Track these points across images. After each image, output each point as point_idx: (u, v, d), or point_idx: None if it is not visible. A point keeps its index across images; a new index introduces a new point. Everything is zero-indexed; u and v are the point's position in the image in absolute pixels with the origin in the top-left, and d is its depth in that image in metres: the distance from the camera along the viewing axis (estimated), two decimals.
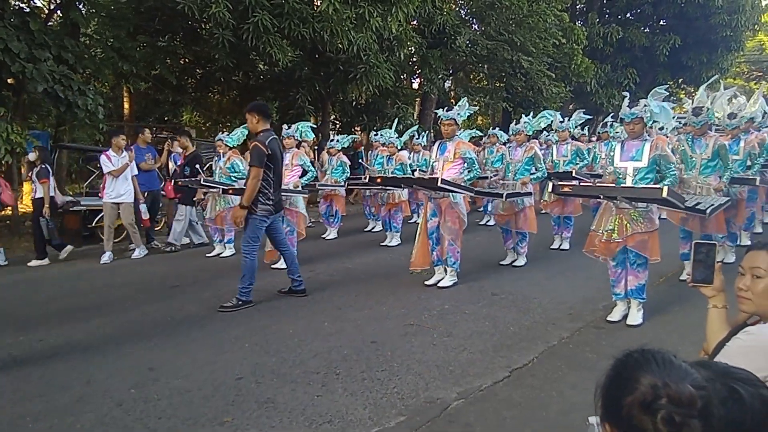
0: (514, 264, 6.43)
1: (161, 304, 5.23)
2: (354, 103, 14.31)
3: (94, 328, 4.52)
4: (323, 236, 8.77)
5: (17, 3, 9.62)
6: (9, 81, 9.04)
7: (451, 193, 5.32)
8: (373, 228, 9.43)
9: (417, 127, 10.67)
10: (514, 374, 3.45)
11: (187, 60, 13.32)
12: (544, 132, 9.36)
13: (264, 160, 4.75)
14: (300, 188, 6.71)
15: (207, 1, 9.17)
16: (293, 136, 6.85)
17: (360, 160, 12.21)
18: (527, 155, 6.40)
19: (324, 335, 4.19)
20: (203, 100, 14.51)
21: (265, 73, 13.43)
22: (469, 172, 5.41)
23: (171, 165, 8.82)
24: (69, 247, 7.52)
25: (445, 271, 5.58)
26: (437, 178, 5.14)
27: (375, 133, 9.72)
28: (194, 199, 7.95)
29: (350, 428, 2.81)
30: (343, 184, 8.82)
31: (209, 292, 5.55)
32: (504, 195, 5.97)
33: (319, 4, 10.28)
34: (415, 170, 8.81)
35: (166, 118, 15.98)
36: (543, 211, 8.57)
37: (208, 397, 3.18)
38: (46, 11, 11.17)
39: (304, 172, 6.78)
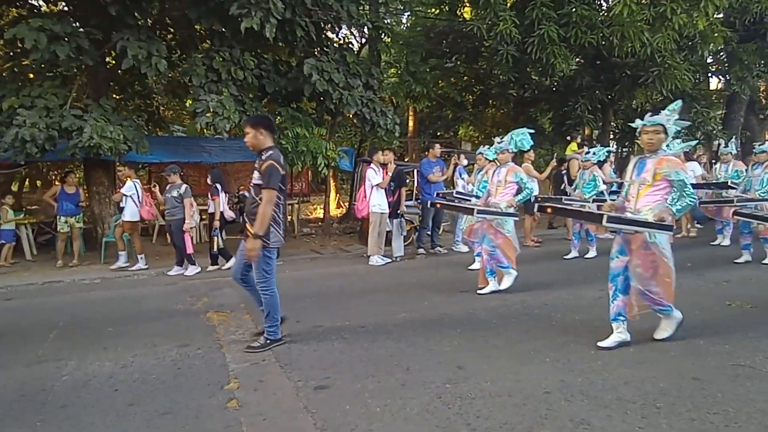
0: None
1: (455, 305, 5.59)
2: (639, 109, 13.09)
3: (401, 320, 5.07)
4: (568, 256, 8.40)
5: (336, 41, 11.50)
6: (330, 107, 10.90)
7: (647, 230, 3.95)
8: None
9: (724, 134, 9.16)
10: None
11: (466, 77, 14.08)
12: None
13: (279, 181, 4.17)
14: (513, 208, 6.13)
15: (495, 20, 9.54)
16: (507, 150, 6.20)
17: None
18: None
19: (631, 362, 3.85)
20: (480, 115, 15.13)
21: (541, 85, 13.31)
22: (679, 199, 3.95)
23: (456, 177, 9.38)
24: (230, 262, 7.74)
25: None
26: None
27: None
28: (398, 211, 8.57)
29: None
30: (589, 200, 8.01)
31: (497, 302, 5.70)
32: None
33: (607, 7, 9.75)
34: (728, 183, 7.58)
35: (438, 133, 17.17)
36: None
37: (519, 405, 3.20)
38: (358, 45, 13.13)
39: (519, 190, 6.14)
